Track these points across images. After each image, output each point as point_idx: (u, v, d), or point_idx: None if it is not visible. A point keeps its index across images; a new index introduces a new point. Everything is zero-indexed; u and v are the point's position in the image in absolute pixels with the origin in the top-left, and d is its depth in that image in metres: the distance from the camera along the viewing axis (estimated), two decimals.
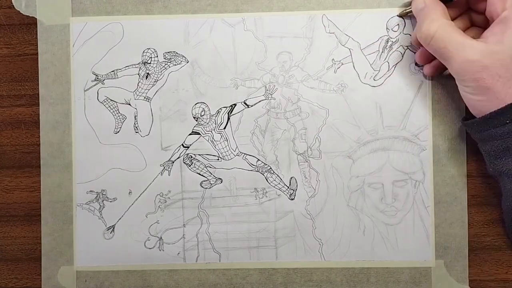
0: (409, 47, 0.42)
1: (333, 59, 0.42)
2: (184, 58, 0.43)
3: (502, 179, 0.37)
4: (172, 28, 0.43)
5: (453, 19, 0.39)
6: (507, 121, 0.34)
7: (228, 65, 0.43)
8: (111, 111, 0.43)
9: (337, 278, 0.42)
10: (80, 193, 0.43)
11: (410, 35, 0.42)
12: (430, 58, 0.40)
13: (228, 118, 0.43)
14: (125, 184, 0.43)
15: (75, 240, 0.43)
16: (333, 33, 0.43)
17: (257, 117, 0.43)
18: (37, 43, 0.43)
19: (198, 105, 0.43)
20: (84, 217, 0.43)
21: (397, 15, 0.42)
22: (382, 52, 0.42)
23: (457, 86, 0.37)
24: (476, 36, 0.37)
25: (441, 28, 0.35)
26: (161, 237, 0.43)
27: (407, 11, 0.41)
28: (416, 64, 0.42)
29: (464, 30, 0.39)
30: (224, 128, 0.43)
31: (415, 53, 0.42)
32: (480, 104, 0.35)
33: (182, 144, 0.43)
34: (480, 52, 0.34)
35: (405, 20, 0.42)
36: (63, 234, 0.43)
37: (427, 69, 0.41)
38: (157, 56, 0.43)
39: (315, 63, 0.43)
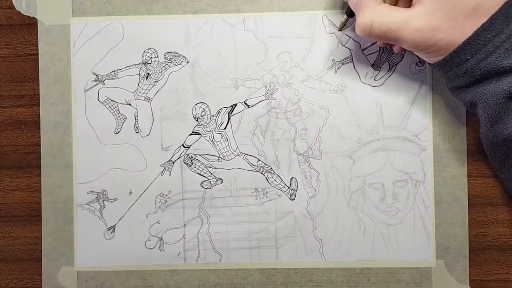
0: None
1: (333, 59, 0.42)
2: (184, 58, 0.43)
3: (476, 108, 0.36)
4: (172, 29, 0.43)
5: None
6: (468, 57, 0.33)
7: (229, 65, 0.43)
8: (112, 111, 0.43)
9: (337, 278, 0.42)
10: (81, 193, 0.43)
11: None
12: None
13: (229, 118, 0.43)
14: (125, 184, 0.43)
15: (76, 240, 0.43)
16: (333, 33, 0.42)
17: (258, 117, 0.43)
18: (37, 43, 0.43)
19: (199, 105, 0.43)
20: (84, 218, 0.43)
21: (338, 30, 0.42)
22: (383, 52, 0.42)
23: None
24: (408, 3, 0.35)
25: (376, 14, 0.35)
26: (161, 237, 0.43)
27: (343, 21, 0.41)
28: (416, 64, 0.42)
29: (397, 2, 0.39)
30: (225, 128, 0.43)
31: None
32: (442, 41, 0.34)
33: (183, 145, 0.43)
34: (423, 17, 0.33)
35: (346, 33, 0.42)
36: (63, 234, 0.43)
37: (396, 48, 0.40)
38: (157, 57, 0.43)
39: (315, 63, 0.42)
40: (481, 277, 0.42)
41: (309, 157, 0.43)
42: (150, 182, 0.43)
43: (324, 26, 0.43)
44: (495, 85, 0.33)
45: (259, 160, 0.43)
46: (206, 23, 0.43)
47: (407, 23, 0.34)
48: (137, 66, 0.43)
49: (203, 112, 0.43)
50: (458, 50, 0.33)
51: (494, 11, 0.32)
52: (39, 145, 0.43)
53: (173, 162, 0.43)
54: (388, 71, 0.42)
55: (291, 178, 0.43)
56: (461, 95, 0.36)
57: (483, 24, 0.32)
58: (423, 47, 0.34)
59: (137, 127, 0.43)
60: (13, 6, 0.43)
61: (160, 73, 0.43)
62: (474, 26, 0.32)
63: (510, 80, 0.33)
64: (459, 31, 0.33)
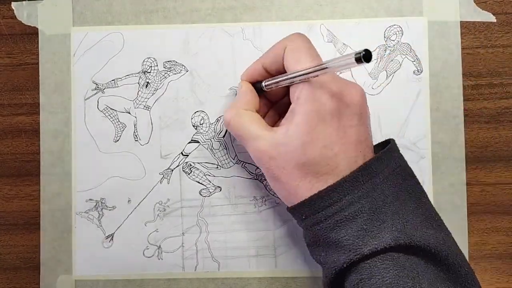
0: (407, 55, 0.42)
1: None
2: (183, 67, 0.43)
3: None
4: (172, 38, 0.43)
5: (274, 103, 0.40)
6: (303, 217, 0.34)
7: (228, 73, 0.43)
8: (111, 119, 0.43)
9: None
10: (80, 201, 0.43)
11: (409, 44, 0.42)
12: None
13: None
14: (124, 192, 0.43)
15: (74, 248, 0.43)
16: (331, 42, 0.43)
17: None
18: (38, 52, 0.44)
19: (198, 113, 0.43)
20: (83, 226, 0.43)
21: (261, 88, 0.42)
22: (380, 60, 0.43)
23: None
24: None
25: (236, 116, 0.36)
26: (160, 246, 0.43)
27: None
28: (414, 72, 0.42)
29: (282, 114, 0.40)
30: (224, 136, 0.43)
31: (412, 61, 0.42)
32: (276, 190, 0.36)
33: (182, 153, 0.43)
34: (268, 143, 0.34)
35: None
36: (62, 242, 0.43)
37: None
38: (157, 65, 0.43)
39: None
40: (481, 286, 0.42)
41: None
42: (148, 190, 0.43)
43: (322, 35, 0.43)
44: (327, 256, 0.33)
45: (257, 168, 0.43)
46: (205, 32, 0.43)
47: (255, 140, 0.35)
48: (136, 75, 0.43)
49: (202, 120, 0.43)
50: (295, 206, 0.34)
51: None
52: (38, 154, 0.44)
53: (172, 170, 0.43)
54: (386, 79, 0.43)
55: None
56: (308, 249, 0.36)
57: (320, 191, 0.32)
58: (260, 165, 0.35)
59: (136, 135, 0.43)
60: (15, 16, 0.44)
61: (160, 82, 0.43)
62: (292, 180, 0.33)
63: (339, 257, 0.32)
64: (285, 172, 0.33)
